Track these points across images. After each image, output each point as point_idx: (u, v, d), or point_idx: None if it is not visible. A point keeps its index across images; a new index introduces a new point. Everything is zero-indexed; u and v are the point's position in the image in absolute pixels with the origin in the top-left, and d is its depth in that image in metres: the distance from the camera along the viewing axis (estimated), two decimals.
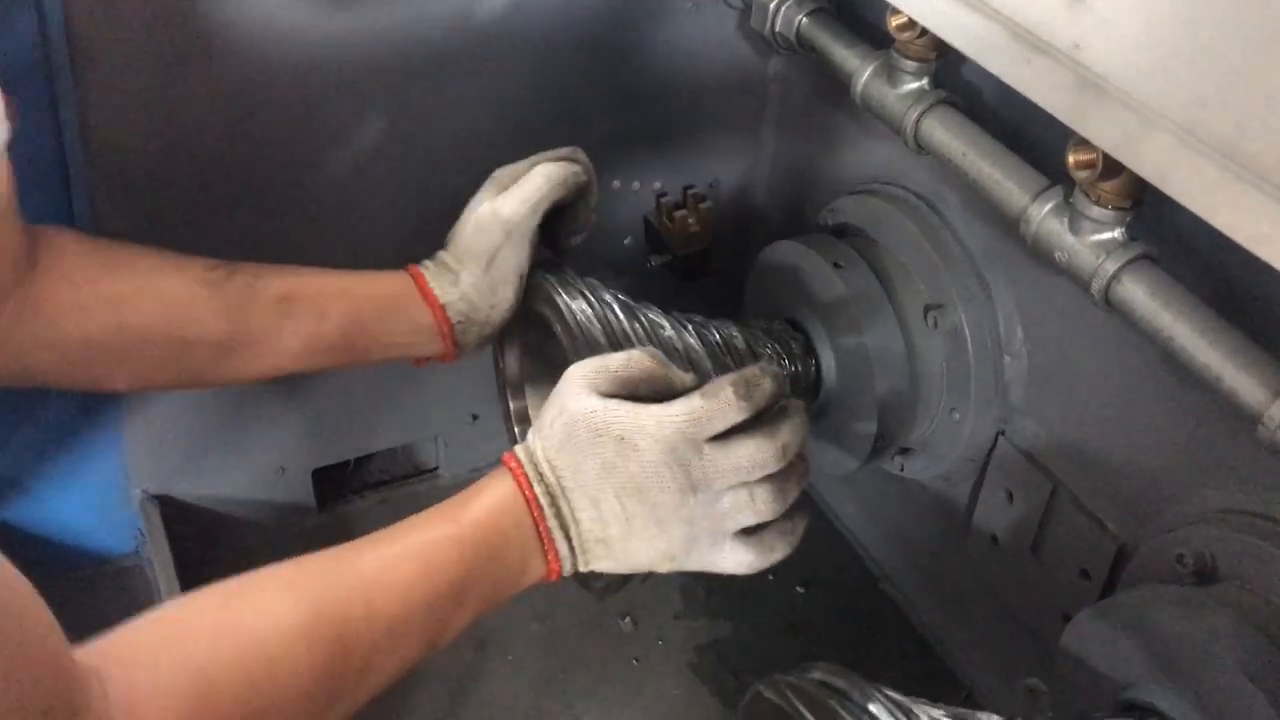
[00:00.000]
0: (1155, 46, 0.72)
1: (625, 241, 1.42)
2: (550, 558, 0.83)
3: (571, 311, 1.03)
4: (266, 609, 0.74)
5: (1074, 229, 0.89)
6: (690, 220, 1.35)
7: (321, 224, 1.24)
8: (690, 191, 1.38)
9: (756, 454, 0.80)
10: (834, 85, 1.25)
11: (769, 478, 0.81)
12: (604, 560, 0.84)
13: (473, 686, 1.30)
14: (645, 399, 0.81)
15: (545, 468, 0.82)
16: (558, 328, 1.04)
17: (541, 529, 0.82)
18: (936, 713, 0.79)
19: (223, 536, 1.40)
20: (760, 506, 0.82)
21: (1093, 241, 0.88)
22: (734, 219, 1.46)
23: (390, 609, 0.77)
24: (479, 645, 1.33)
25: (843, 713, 0.77)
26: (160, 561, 1.27)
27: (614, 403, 0.80)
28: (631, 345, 1.03)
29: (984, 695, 1.29)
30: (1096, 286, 0.88)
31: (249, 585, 0.76)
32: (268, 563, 1.39)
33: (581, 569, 0.85)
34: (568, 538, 0.83)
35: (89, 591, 1.33)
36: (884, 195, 1.20)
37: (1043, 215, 0.92)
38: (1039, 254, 0.93)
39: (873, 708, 0.77)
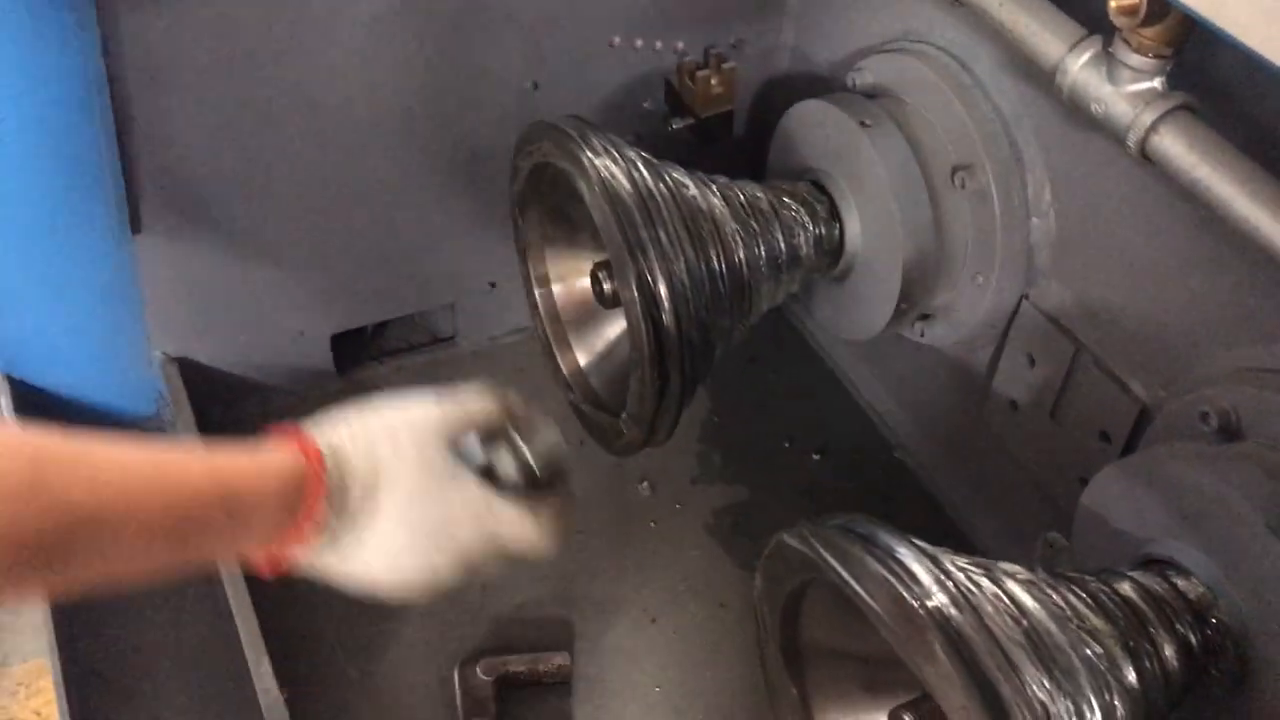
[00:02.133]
0: None
1: (645, 104, 1.40)
2: (299, 526, 0.75)
3: (596, 169, 1.02)
4: None
5: (1112, 79, 0.87)
6: (713, 81, 1.32)
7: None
8: (713, 52, 1.35)
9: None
10: None
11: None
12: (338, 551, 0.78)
13: None
14: None
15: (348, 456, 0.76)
16: (581, 186, 1.03)
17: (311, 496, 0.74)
18: (961, 561, 0.80)
19: (243, 400, 1.41)
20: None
21: (1130, 92, 0.86)
22: (756, 80, 1.43)
23: (107, 491, 0.66)
24: None
25: (869, 558, 0.77)
26: (183, 423, 1.27)
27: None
28: (656, 204, 1.02)
29: (998, 559, 1.30)
30: (1133, 138, 0.86)
31: None
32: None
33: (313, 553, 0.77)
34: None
35: None
36: (913, 53, 1.17)
37: (1080, 65, 0.90)
38: (1075, 106, 0.91)
39: (899, 552, 0.78)
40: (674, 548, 1.32)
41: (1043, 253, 1.11)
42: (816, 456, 1.42)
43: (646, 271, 0.99)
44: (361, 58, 1.21)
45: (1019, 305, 1.15)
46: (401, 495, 0.77)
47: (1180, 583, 0.86)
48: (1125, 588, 0.85)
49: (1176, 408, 0.97)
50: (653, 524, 1.35)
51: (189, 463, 0.71)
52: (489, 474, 0.80)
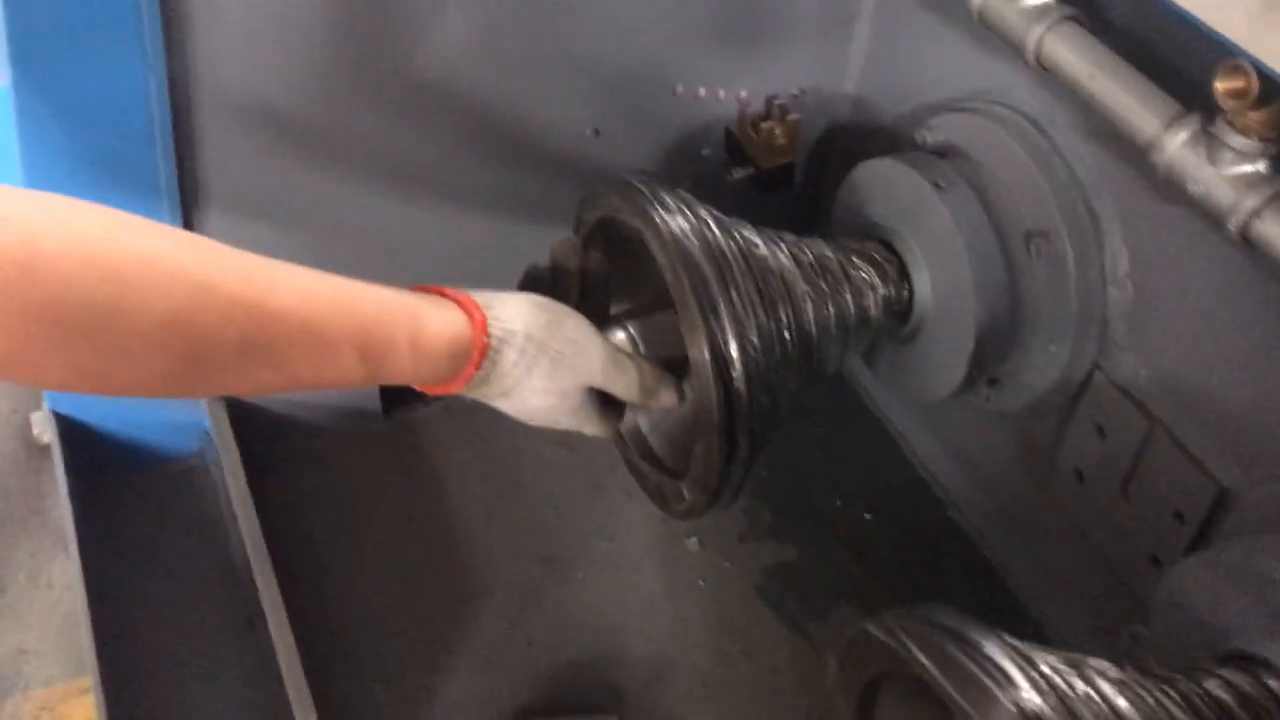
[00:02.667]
0: None
1: (703, 151, 1.38)
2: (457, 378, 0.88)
3: (669, 227, 0.99)
4: (153, 239, 0.69)
5: (1213, 159, 0.85)
6: (777, 132, 1.30)
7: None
8: (776, 102, 1.33)
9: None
10: None
11: None
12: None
13: (539, 602, 1.29)
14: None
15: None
16: (653, 244, 1.00)
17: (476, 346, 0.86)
18: (1053, 659, 0.77)
19: (287, 438, 1.39)
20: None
21: (1233, 174, 0.84)
22: (816, 130, 1.41)
23: (281, 300, 0.74)
24: (546, 561, 1.33)
25: (960, 655, 0.75)
26: (229, 463, 1.25)
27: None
28: (728, 264, 0.99)
29: (1053, 628, 1.27)
30: (1235, 222, 0.84)
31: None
32: (331, 467, 1.40)
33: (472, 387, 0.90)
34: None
35: (153, 491, 1.33)
36: (988, 114, 1.15)
37: (1178, 144, 0.87)
38: (1169, 183, 0.89)
39: (989, 648, 0.75)
40: (723, 607, 1.30)
41: (1118, 324, 1.09)
42: (868, 516, 1.39)
43: (719, 334, 0.97)
44: (428, 93, 1.20)
45: (1091, 375, 1.12)
46: (528, 406, 0.92)
47: (1273, 683, 0.83)
48: (1216, 688, 0.82)
49: (1262, 495, 0.94)
50: (701, 582, 1.32)
51: (332, 327, 0.78)
52: None
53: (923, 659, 0.76)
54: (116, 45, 1.04)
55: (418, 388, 0.89)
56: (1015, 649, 0.76)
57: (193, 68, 1.08)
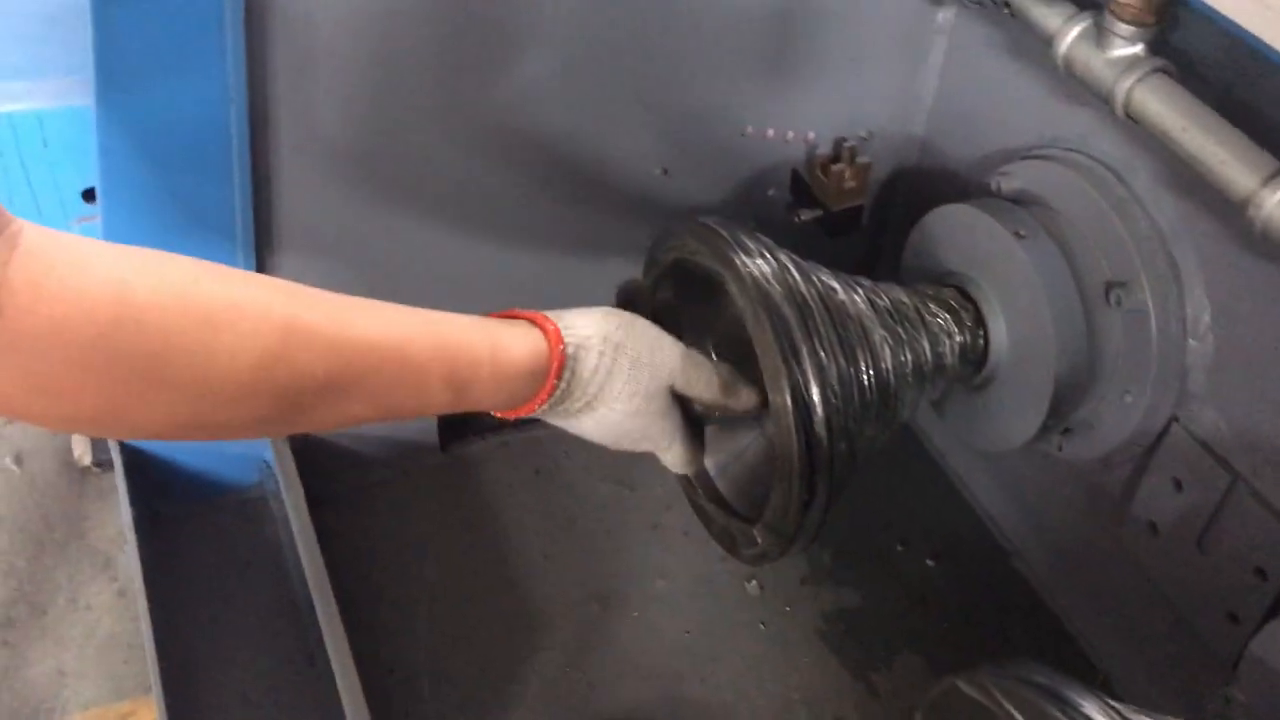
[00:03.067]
0: None
1: (770, 193, 1.38)
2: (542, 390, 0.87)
3: (750, 270, 0.99)
4: (236, 285, 0.69)
5: None
6: (847, 175, 1.29)
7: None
8: (845, 145, 1.32)
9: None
10: (1015, 43, 1.20)
11: None
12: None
13: (597, 642, 1.28)
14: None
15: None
16: (734, 288, 1.00)
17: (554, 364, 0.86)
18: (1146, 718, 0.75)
19: (344, 471, 1.39)
20: None
21: None
22: (883, 173, 1.40)
23: (367, 333, 0.75)
24: (603, 599, 1.32)
25: (1059, 716, 0.73)
26: (292, 497, 1.25)
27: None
28: (809, 309, 0.99)
29: (1120, 681, 1.25)
30: None
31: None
32: (389, 502, 1.39)
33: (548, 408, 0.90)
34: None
35: (212, 523, 1.33)
36: (1066, 162, 1.14)
37: (1277, 200, 0.86)
38: (1267, 239, 0.88)
39: (1090, 711, 0.73)
40: (784, 653, 1.28)
41: (1198, 376, 1.08)
42: (930, 562, 1.37)
43: (801, 380, 0.96)
44: (503, 132, 1.20)
45: (1168, 427, 1.11)
46: (613, 416, 0.91)
47: None
48: None
49: None
50: (762, 625, 1.31)
51: (432, 346, 0.80)
52: None
53: (1020, 719, 0.75)
54: (200, 77, 1.04)
55: (499, 414, 0.89)
56: (1115, 709, 0.74)
57: (273, 104, 1.09)
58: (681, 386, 0.94)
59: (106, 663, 1.64)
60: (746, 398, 0.99)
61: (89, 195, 1.30)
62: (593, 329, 0.89)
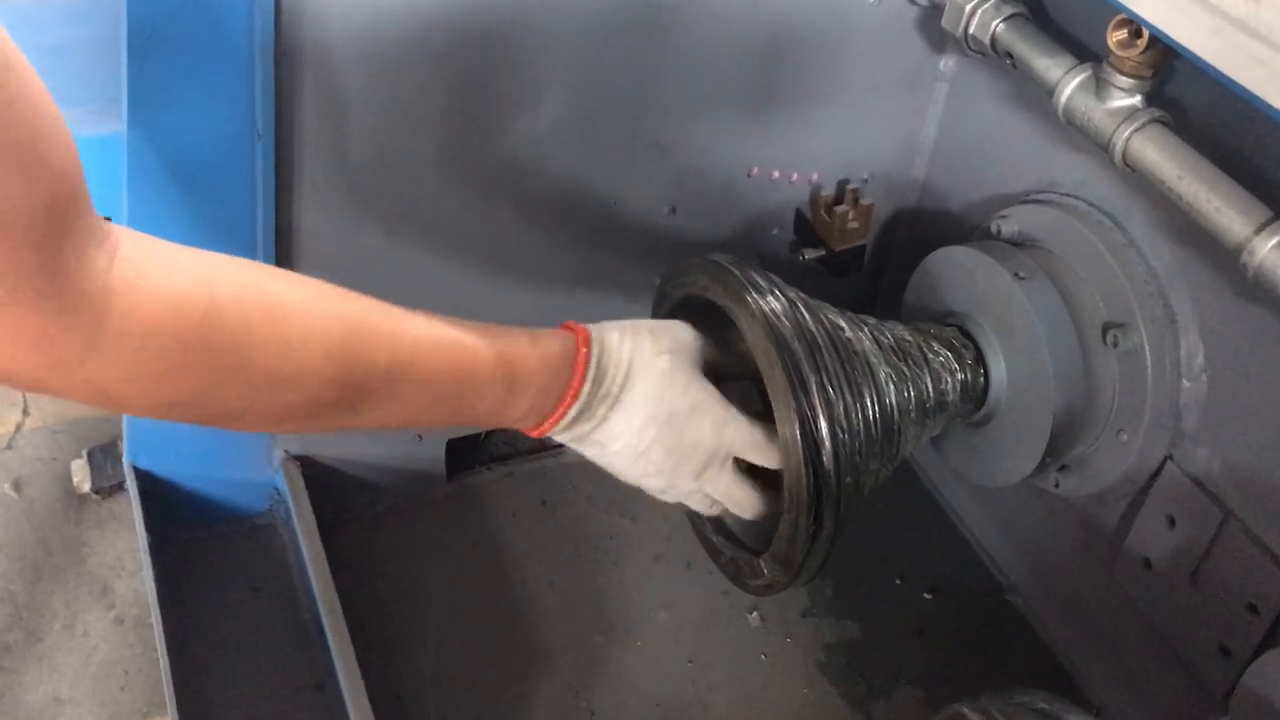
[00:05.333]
0: None
1: (773, 232, 1.41)
2: (561, 403, 0.91)
3: (761, 308, 1.02)
4: (300, 285, 0.76)
5: None
6: (850, 215, 1.33)
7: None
8: (849, 187, 1.36)
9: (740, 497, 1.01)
10: (1016, 91, 1.24)
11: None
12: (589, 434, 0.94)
13: (601, 671, 1.30)
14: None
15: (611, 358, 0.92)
16: (744, 324, 1.03)
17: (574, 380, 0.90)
18: None
19: (353, 500, 1.41)
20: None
21: None
22: (882, 214, 1.44)
23: (422, 330, 0.82)
24: (606, 630, 1.34)
25: None
26: (304, 524, 1.27)
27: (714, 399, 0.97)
28: (818, 346, 1.02)
29: (1113, 715, 1.28)
30: None
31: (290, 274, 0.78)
32: (395, 530, 1.41)
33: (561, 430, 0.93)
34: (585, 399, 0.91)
35: (222, 548, 1.34)
36: (1063, 206, 1.18)
37: (1269, 248, 0.90)
38: (1259, 285, 0.91)
39: None
40: (786, 684, 1.30)
41: (1192, 415, 1.11)
42: (928, 596, 1.40)
43: (809, 415, 0.99)
44: (517, 171, 1.23)
45: (1163, 465, 1.14)
46: (651, 390, 0.92)
47: None
48: None
49: None
50: (763, 656, 1.33)
51: (478, 338, 0.85)
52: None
53: None
54: (228, 108, 1.07)
55: (531, 432, 0.93)
56: None
57: (299, 139, 1.12)
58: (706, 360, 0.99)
59: (103, 690, 1.64)
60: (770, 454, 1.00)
61: None
62: (613, 325, 0.95)
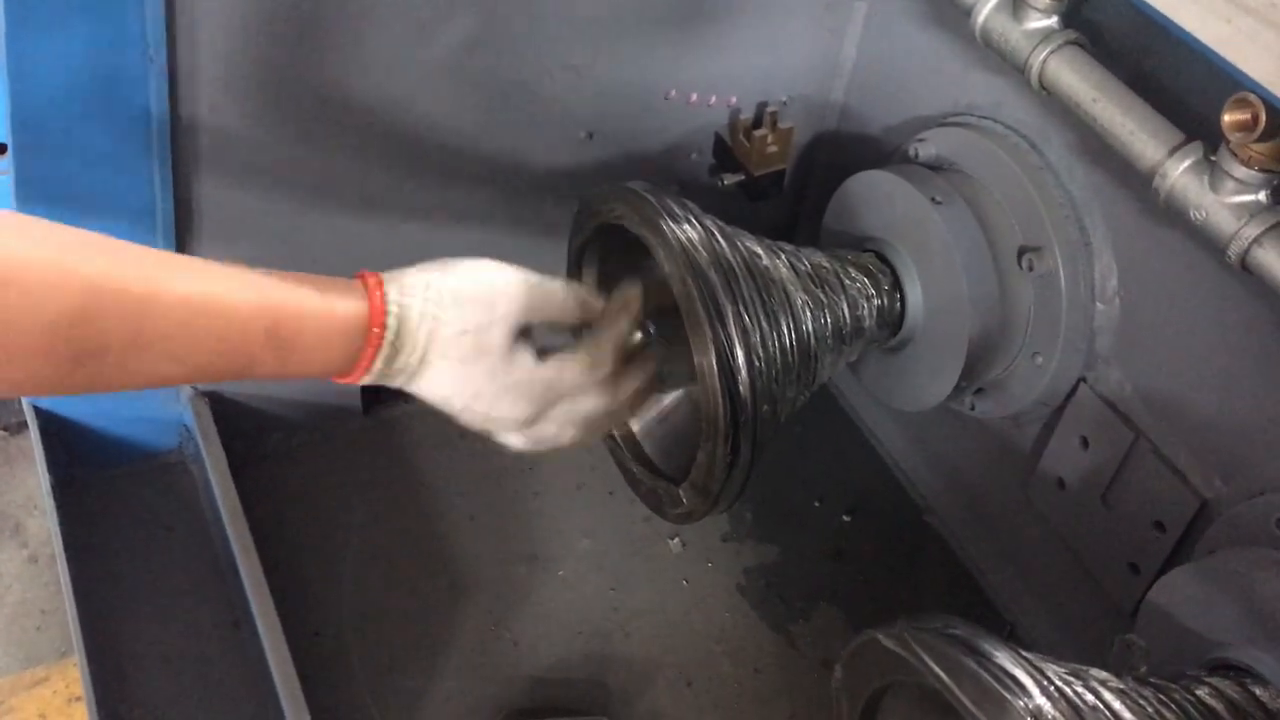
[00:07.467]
0: None
1: (692, 156, 1.39)
2: (354, 370, 0.83)
3: (677, 237, 1.00)
4: (40, 244, 0.68)
5: (1214, 187, 0.88)
6: (769, 140, 1.31)
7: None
8: (767, 110, 1.34)
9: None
10: (933, 12, 1.23)
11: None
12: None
13: (524, 601, 1.30)
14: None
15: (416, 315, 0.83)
16: (661, 253, 1.01)
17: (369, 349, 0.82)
18: (1059, 669, 0.79)
19: (267, 435, 1.38)
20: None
21: (1234, 203, 0.87)
22: (802, 138, 1.42)
23: (182, 289, 0.73)
24: (529, 560, 1.33)
25: (974, 666, 0.77)
26: (213, 461, 1.24)
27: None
28: (734, 275, 1.00)
29: (1026, 630, 1.31)
30: (1235, 250, 0.87)
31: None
32: (312, 465, 1.39)
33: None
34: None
35: (131, 487, 1.31)
36: (981, 130, 1.17)
37: (1180, 171, 0.90)
38: (1170, 208, 0.92)
39: (1000, 658, 0.77)
40: (706, 607, 1.31)
41: (1105, 338, 1.12)
42: (846, 518, 1.41)
43: (726, 344, 0.98)
44: (425, 95, 1.19)
45: (1076, 387, 1.15)
46: (446, 375, 0.85)
47: (1259, 691, 0.86)
48: (1207, 696, 0.85)
49: (1245, 509, 0.98)
50: (684, 582, 1.34)
51: (246, 294, 0.76)
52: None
53: (937, 670, 0.78)
54: (116, 25, 1.02)
55: (339, 379, 0.85)
56: (1026, 659, 0.78)
57: (194, 61, 1.07)
58: (529, 314, 0.88)
59: (17, 630, 1.61)
60: (630, 298, 0.96)
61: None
62: (417, 275, 0.85)
